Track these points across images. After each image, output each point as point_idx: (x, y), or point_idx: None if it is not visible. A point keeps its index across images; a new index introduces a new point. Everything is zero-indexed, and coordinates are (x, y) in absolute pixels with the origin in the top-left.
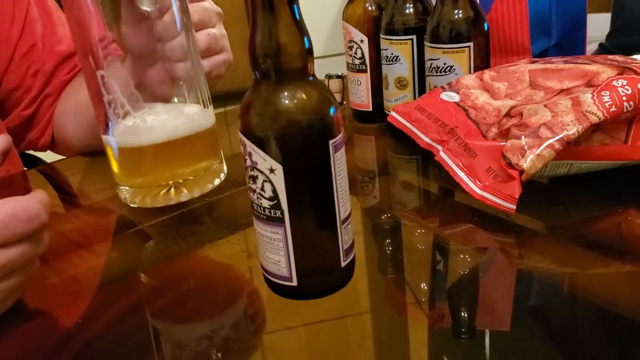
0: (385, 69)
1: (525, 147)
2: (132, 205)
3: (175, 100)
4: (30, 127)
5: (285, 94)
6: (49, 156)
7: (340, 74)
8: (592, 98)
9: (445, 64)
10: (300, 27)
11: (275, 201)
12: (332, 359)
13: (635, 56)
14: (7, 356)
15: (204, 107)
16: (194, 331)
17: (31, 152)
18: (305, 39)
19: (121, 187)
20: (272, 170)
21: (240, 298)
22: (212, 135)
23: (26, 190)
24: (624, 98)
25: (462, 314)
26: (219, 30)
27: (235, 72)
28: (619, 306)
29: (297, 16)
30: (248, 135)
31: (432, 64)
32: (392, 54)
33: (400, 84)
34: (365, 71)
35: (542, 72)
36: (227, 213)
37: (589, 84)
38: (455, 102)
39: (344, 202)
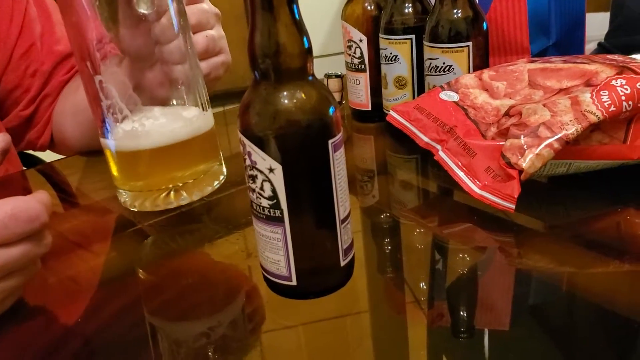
0: (384, 68)
1: (525, 147)
2: (132, 209)
3: (174, 102)
4: (29, 127)
5: (285, 93)
6: (48, 156)
7: (339, 73)
8: (591, 97)
9: (444, 63)
10: (299, 27)
11: (275, 201)
12: (331, 359)
13: (634, 55)
14: (7, 355)
15: (203, 109)
16: (194, 331)
17: (30, 151)
18: (305, 39)
19: (121, 191)
20: (271, 170)
21: (240, 297)
22: (211, 138)
23: (25, 190)
24: (623, 97)
25: (461, 313)
26: (217, 31)
27: (235, 71)
28: (618, 305)
29: (297, 16)
30: (247, 134)
31: (431, 63)
32: (391, 53)
33: (400, 83)
34: (364, 71)
35: (541, 71)
36: (227, 212)
37: (588, 84)
38: (455, 102)
39: (343, 201)
